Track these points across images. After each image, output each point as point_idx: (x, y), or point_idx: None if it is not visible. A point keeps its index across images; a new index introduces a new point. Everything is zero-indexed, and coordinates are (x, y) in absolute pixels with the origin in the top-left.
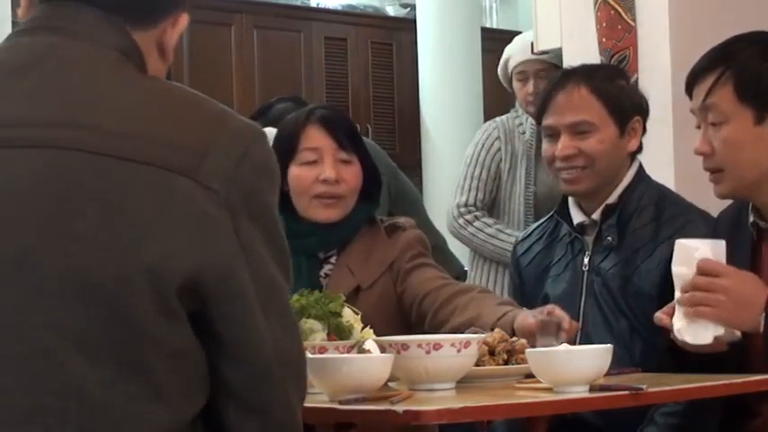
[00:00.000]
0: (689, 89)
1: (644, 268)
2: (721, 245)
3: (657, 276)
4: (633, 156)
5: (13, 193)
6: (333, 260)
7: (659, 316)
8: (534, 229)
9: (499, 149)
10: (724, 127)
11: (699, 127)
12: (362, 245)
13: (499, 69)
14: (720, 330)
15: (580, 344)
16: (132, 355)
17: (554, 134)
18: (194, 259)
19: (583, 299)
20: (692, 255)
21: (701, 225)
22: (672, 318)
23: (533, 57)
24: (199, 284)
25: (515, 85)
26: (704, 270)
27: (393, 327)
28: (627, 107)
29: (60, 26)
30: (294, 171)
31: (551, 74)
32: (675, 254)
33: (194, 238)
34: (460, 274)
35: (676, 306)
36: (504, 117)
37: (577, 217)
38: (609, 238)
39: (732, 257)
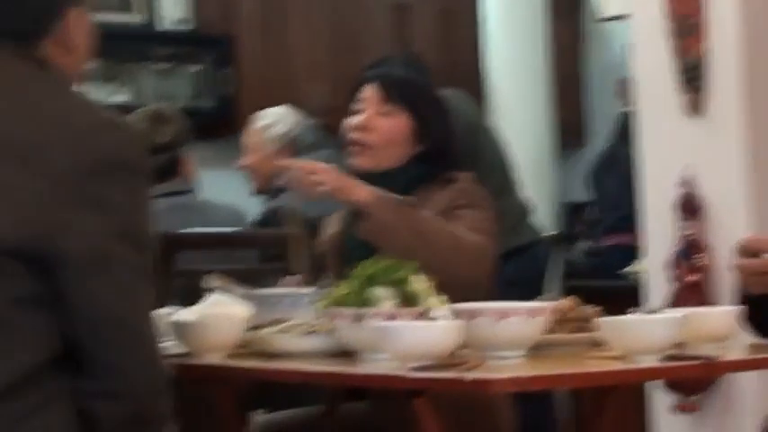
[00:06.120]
0: None
1: None
2: None
3: None
4: None
5: None
6: None
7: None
8: None
9: None
10: None
11: None
12: (421, 198)
13: None
14: None
15: None
16: None
17: None
18: (14, 229)
19: None
20: None
21: None
22: None
23: None
24: (24, 249)
25: None
26: None
27: None
28: None
29: None
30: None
31: None
32: None
33: (16, 212)
34: (534, 243)
35: None
36: None
37: None
38: None
39: None
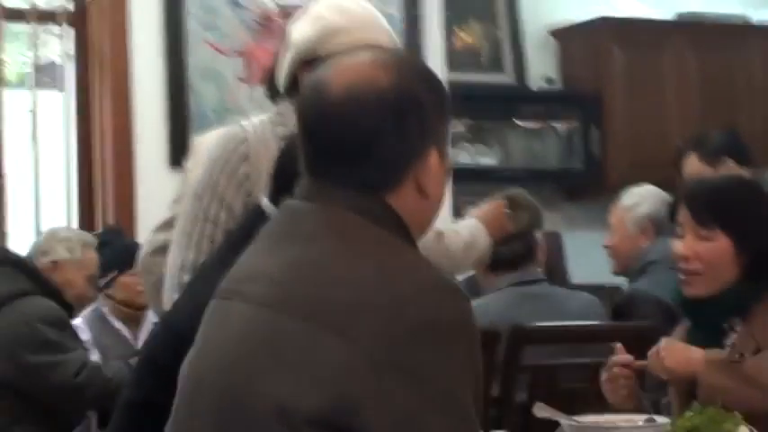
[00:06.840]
0: None
1: None
2: None
3: None
4: None
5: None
6: (739, 328)
7: None
8: None
9: None
10: None
11: None
12: (762, 316)
13: None
14: None
15: None
16: None
17: None
18: (320, 399)
19: None
20: None
21: None
22: None
23: None
24: (329, 419)
25: None
26: None
27: None
28: None
29: (319, 199)
30: None
31: None
32: None
33: (324, 382)
34: None
35: None
36: None
37: None
38: None
39: None
